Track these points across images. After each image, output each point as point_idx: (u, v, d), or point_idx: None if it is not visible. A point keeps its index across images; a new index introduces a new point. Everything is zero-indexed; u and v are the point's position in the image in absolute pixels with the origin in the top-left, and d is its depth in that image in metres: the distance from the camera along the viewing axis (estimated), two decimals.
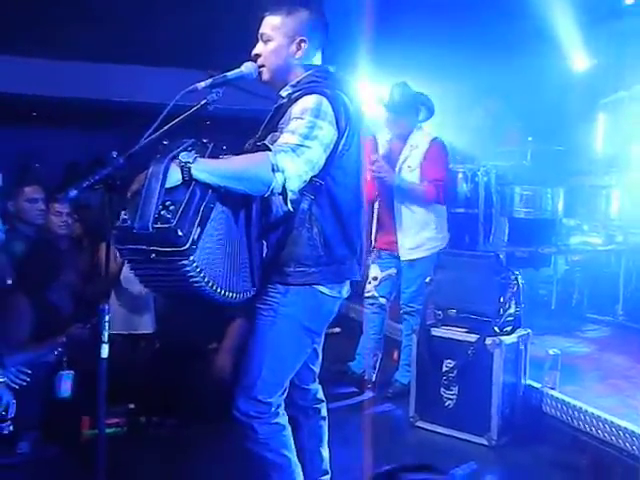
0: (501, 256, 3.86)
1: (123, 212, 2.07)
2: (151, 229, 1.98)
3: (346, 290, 2.49)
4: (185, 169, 2.04)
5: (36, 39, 5.69)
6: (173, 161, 2.05)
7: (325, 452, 2.64)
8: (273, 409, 2.35)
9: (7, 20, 5.26)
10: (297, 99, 2.28)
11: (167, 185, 2.01)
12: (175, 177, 2.03)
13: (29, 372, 3.38)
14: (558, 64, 6.50)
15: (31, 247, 3.88)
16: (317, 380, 2.66)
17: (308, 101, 2.25)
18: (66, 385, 3.41)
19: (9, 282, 3.54)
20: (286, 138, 2.19)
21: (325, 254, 2.32)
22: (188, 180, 2.04)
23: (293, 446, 2.40)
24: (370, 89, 4.48)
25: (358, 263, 2.45)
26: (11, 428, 3.09)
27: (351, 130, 2.33)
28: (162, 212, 1.99)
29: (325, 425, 2.64)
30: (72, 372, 3.40)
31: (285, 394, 2.42)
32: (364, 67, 4.67)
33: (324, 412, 2.65)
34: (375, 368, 4.36)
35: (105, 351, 2.29)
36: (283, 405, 2.41)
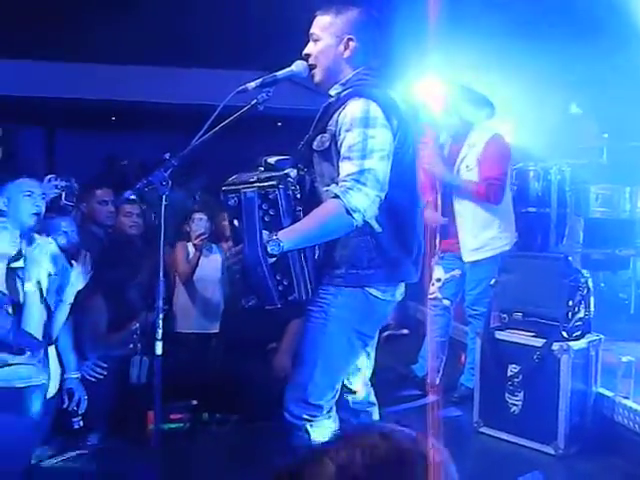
0: (571, 258, 3.70)
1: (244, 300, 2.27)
2: (279, 304, 2.24)
3: (400, 292, 2.44)
4: (275, 247, 2.12)
5: (109, 45, 5.92)
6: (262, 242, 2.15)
7: None
8: (324, 412, 2.35)
9: (79, 29, 5.50)
10: (345, 100, 2.26)
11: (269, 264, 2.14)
12: (273, 258, 2.14)
13: (104, 366, 3.52)
14: (636, 57, 6.17)
15: (108, 247, 4.03)
16: (369, 383, 2.62)
17: (356, 109, 2.22)
18: (140, 371, 3.50)
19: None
20: (346, 169, 2.19)
21: (378, 255, 2.29)
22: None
23: None
24: (435, 86, 4.38)
25: (414, 264, 2.40)
26: (81, 423, 3.19)
27: (403, 128, 2.30)
28: (280, 288, 2.22)
29: None
30: (145, 358, 3.48)
31: (336, 397, 2.40)
32: (430, 63, 4.58)
33: (376, 415, 2.61)
34: (439, 371, 4.28)
35: (159, 348, 2.35)
36: (334, 407, 2.40)
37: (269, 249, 2.12)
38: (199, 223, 4.36)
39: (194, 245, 4.33)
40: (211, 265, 4.45)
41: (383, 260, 2.30)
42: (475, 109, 4.10)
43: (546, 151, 5.45)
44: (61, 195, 4.16)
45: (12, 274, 2.89)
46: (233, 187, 2.28)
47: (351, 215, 2.15)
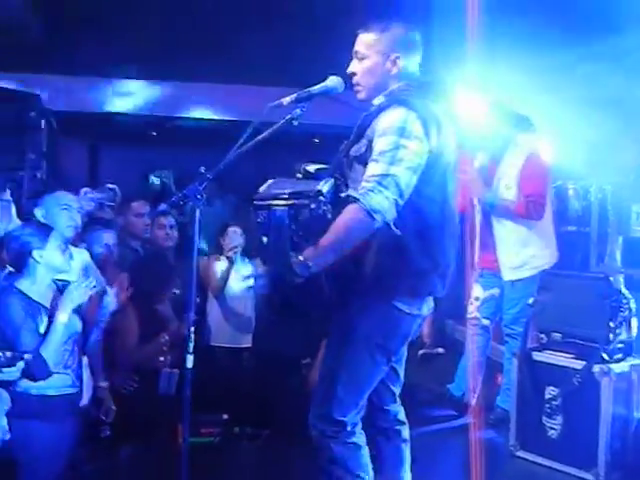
0: (612, 278, 3.60)
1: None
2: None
3: (428, 307, 2.40)
4: (304, 270, 2.13)
5: (153, 64, 6.04)
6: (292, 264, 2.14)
7: (407, 477, 2.54)
8: (349, 428, 2.31)
9: (121, 47, 5.63)
10: (386, 107, 2.25)
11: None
12: (300, 278, 2.15)
13: (136, 378, 3.54)
14: None
15: (142, 260, 4.08)
16: (398, 401, 2.57)
17: (394, 117, 2.21)
18: (169, 384, 3.51)
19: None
20: (372, 169, 2.17)
21: (404, 267, 2.25)
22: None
23: (370, 468, 2.34)
24: (475, 102, 4.34)
25: (440, 277, 2.35)
26: (108, 432, 3.22)
27: (441, 142, 2.27)
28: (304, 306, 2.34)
29: (407, 449, 2.55)
30: (175, 371, 3.49)
31: (361, 413, 2.37)
32: (469, 80, 4.55)
33: (406, 434, 2.56)
34: (475, 391, 4.19)
35: (190, 362, 2.35)
36: (360, 425, 2.37)
37: (298, 272, 2.12)
38: (232, 236, 4.38)
39: (227, 258, 4.35)
40: (244, 278, 4.46)
41: (409, 273, 2.26)
42: (514, 127, 4.05)
43: (585, 169, 5.35)
44: (102, 207, 4.23)
45: (53, 286, 2.94)
46: (263, 202, 2.25)
47: (371, 216, 2.12)
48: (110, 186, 4.17)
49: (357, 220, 2.14)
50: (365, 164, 2.23)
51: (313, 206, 2.18)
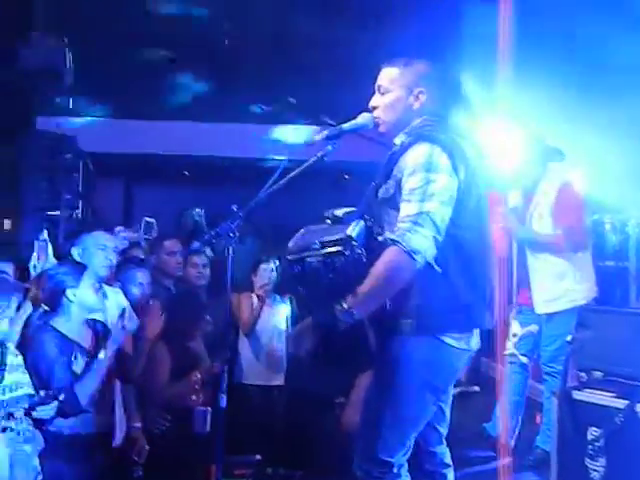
0: None
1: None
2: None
3: (475, 342, 2.34)
4: (349, 318, 2.12)
5: (180, 105, 6.18)
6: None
7: None
8: (395, 469, 2.25)
9: (156, 91, 5.78)
10: (409, 145, 2.24)
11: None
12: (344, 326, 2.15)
13: (168, 417, 3.52)
14: None
15: (174, 298, 4.09)
16: (444, 442, 2.50)
17: (419, 153, 2.20)
18: (204, 422, 3.48)
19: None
20: (405, 210, 2.16)
21: (450, 301, 2.20)
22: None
23: None
24: (507, 134, 4.33)
25: (488, 309, 2.30)
26: (140, 472, 3.19)
27: (470, 172, 2.25)
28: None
29: None
30: (209, 409, 3.45)
31: (408, 454, 2.30)
32: (501, 112, 4.55)
33: (451, 477, 2.48)
34: (514, 432, 4.07)
35: (224, 401, 2.33)
36: (406, 466, 2.30)
37: (342, 320, 2.11)
38: (263, 274, 4.38)
39: (257, 296, 4.34)
40: (275, 316, 4.44)
41: (456, 306, 2.21)
42: (545, 159, 4.01)
43: (622, 202, 5.26)
44: (137, 245, 4.28)
45: (88, 325, 2.96)
46: (297, 256, 2.24)
47: (412, 257, 2.09)
48: (148, 220, 4.22)
49: (398, 263, 2.12)
50: (395, 206, 2.22)
51: (347, 252, 2.16)
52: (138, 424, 3.29)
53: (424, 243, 2.11)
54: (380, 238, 2.20)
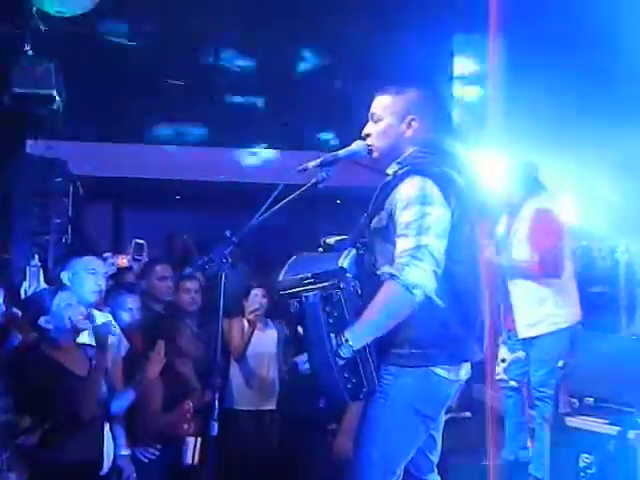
0: None
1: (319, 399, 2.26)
2: (349, 402, 2.26)
3: (465, 372, 2.35)
4: (345, 348, 2.11)
5: (172, 130, 6.21)
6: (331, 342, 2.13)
7: None
8: None
9: (147, 116, 5.81)
10: (402, 178, 2.25)
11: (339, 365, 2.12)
12: (343, 361, 2.12)
13: (158, 447, 3.46)
14: None
15: (164, 324, 4.05)
16: (435, 470, 2.49)
17: (412, 186, 2.21)
18: (193, 452, 3.44)
19: None
20: (402, 245, 2.16)
21: (441, 334, 2.22)
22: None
23: None
24: (497, 164, 4.38)
25: (478, 342, 2.32)
26: None
27: (462, 204, 2.27)
28: (350, 386, 2.17)
29: None
30: (199, 439, 3.40)
31: None
32: (489, 140, 4.61)
33: None
34: (521, 451, 4.06)
35: (215, 429, 2.30)
36: None
37: (341, 353, 2.10)
38: (254, 299, 4.37)
39: (248, 321, 4.32)
40: (266, 341, 4.42)
41: (446, 339, 2.23)
42: (531, 189, 4.07)
43: (611, 229, 5.32)
44: (129, 270, 4.26)
45: (78, 350, 2.94)
46: (292, 291, 2.22)
47: (411, 292, 2.10)
48: (138, 241, 4.21)
49: (395, 297, 2.13)
50: (387, 237, 2.24)
51: (342, 285, 2.16)
52: (126, 452, 3.24)
53: (423, 277, 2.11)
54: (378, 272, 2.20)
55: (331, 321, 2.15)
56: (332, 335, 2.12)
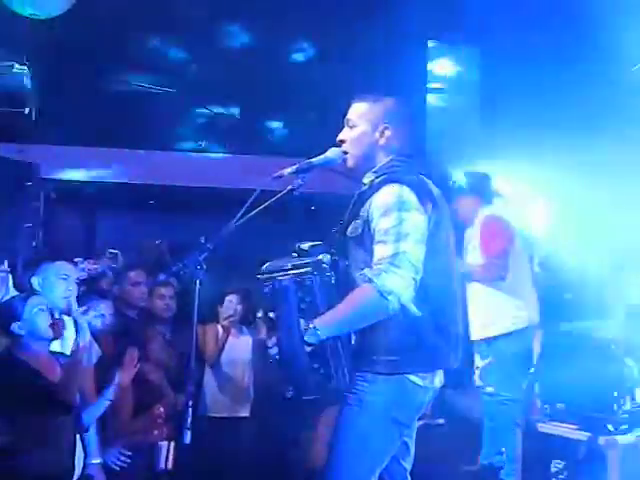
0: (614, 346, 3.57)
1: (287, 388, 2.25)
2: (318, 395, 2.27)
3: (439, 380, 2.37)
4: (313, 335, 2.12)
5: (145, 134, 6.17)
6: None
7: None
8: None
9: (123, 117, 5.76)
10: (378, 187, 2.27)
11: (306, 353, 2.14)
12: (310, 347, 2.14)
13: (129, 454, 3.42)
14: None
15: (136, 329, 4.01)
16: (409, 477, 2.49)
17: (389, 193, 2.23)
18: (166, 457, 3.40)
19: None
20: (380, 252, 2.18)
21: (415, 342, 2.24)
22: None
23: None
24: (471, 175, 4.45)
25: (453, 350, 2.34)
26: None
27: (437, 211, 2.29)
28: (318, 377, 2.19)
29: None
30: (172, 444, 3.39)
31: None
32: (465, 153, 4.67)
33: None
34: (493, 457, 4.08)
35: (188, 436, 2.29)
36: None
37: (307, 338, 2.11)
38: (228, 305, 4.35)
39: (222, 327, 4.31)
40: (241, 347, 4.40)
41: (421, 346, 2.25)
42: (477, 193, 4.19)
43: (583, 236, 5.40)
44: (103, 276, 4.21)
45: (50, 356, 2.89)
46: (267, 275, 2.27)
47: (385, 298, 2.11)
48: (112, 251, 4.17)
49: (368, 301, 2.15)
50: (362, 245, 2.25)
51: (317, 273, 2.20)
52: (97, 460, 3.19)
53: (400, 284, 2.13)
54: (358, 274, 2.22)
55: (303, 307, 2.19)
56: (301, 320, 2.14)
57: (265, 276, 2.29)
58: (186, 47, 6.27)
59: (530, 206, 5.30)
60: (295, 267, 2.25)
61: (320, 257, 2.24)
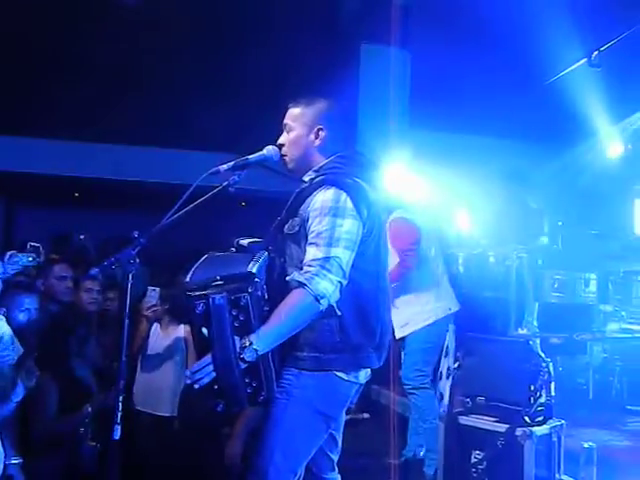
0: (531, 342, 3.75)
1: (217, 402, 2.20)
2: (247, 406, 2.27)
3: (365, 375, 2.44)
4: (250, 352, 2.12)
5: (77, 123, 5.97)
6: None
7: None
8: None
9: (46, 105, 5.56)
10: (317, 187, 2.32)
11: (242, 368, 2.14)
12: (246, 363, 2.14)
13: (55, 453, 3.34)
14: (591, 150, 6.52)
15: (61, 324, 3.91)
16: (336, 469, 2.56)
17: (327, 197, 2.28)
18: (92, 458, 3.34)
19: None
20: (312, 254, 2.23)
21: (341, 340, 2.31)
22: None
23: None
24: (406, 175, 4.56)
25: (376, 350, 2.40)
26: None
27: (372, 217, 2.35)
28: (249, 390, 2.20)
29: None
30: (97, 445, 3.33)
31: None
32: (398, 153, 4.78)
33: None
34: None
35: (117, 433, 2.27)
36: None
37: (245, 357, 2.12)
38: (151, 294, 4.26)
39: (145, 317, 4.21)
40: (168, 344, 4.33)
41: (346, 345, 2.31)
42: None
43: (505, 239, 5.63)
44: (27, 269, 4.06)
45: None
46: (200, 292, 2.19)
47: (318, 301, 2.17)
48: (34, 244, 4.02)
49: (303, 305, 2.19)
50: (298, 242, 2.30)
51: (250, 290, 2.18)
52: (17, 460, 3.11)
53: (330, 288, 2.19)
54: (288, 278, 2.25)
55: (237, 325, 2.17)
56: (237, 338, 2.14)
57: (197, 293, 2.20)
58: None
59: (452, 209, 5.49)
60: (226, 281, 2.20)
61: (250, 268, 2.20)
